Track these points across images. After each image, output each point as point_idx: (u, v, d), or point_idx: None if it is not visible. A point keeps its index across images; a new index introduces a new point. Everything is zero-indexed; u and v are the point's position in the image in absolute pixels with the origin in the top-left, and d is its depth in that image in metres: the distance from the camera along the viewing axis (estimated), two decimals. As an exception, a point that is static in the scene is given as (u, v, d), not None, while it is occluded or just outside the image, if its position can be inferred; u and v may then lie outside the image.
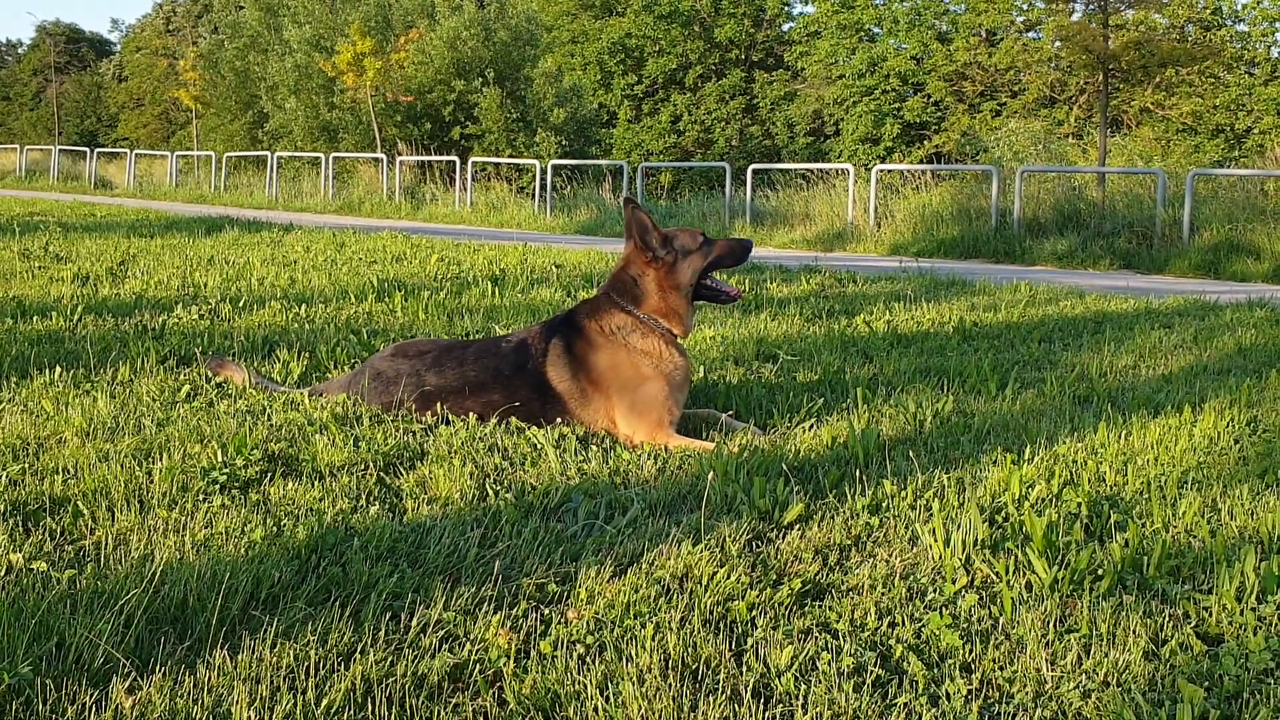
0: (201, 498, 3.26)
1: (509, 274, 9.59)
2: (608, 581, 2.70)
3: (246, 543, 2.88)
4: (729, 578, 2.70)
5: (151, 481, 3.34)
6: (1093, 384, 5.35)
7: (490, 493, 3.37)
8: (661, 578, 2.73)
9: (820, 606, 2.61)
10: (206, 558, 2.72)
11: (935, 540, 3.00)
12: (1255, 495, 3.51)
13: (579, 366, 4.25)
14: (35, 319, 6.41)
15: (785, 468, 3.62)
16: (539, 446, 3.92)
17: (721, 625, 2.49)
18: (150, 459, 3.60)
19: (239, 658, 2.20)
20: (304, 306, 7.27)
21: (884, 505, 3.37)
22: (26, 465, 3.50)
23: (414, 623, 2.44)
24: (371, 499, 3.34)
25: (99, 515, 3.07)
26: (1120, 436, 4.25)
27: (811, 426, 4.33)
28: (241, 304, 7.30)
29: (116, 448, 3.70)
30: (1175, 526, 3.24)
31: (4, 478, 3.35)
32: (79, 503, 3.14)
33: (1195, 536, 3.15)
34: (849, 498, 3.41)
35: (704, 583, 2.69)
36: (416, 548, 2.91)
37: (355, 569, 2.69)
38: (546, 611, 2.54)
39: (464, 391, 4.29)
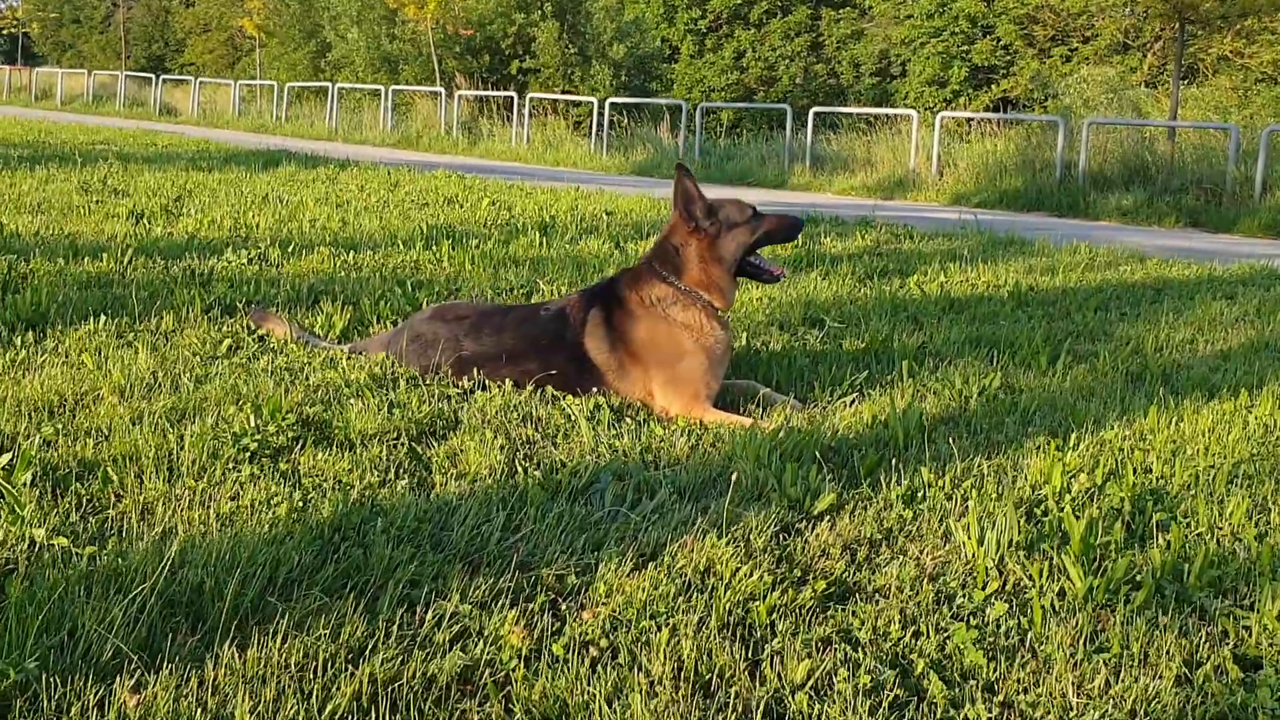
0: (231, 466, 3.25)
1: (558, 222, 9.52)
2: (628, 576, 2.66)
3: (271, 518, 2.87)
4: (751, 576, 2.65)
5: (182, 448, 3.33)
6: (1147, 360, 5.21)
7: (520, 469, 3.33)
8: (683, 572, 2.69)
9: (843, 610, 2.55)
10: (228, 535, 2.71)
11: (969, 538, 2.93)
12: (1308, 497, 3.39)
13: (618, 338, 4.18)
14: (86, 260, 6.45)
15: (819, 454, 3.54)
16: (573, 418, 3.87)
17: (739, 630, 2.43)
18: (184, 421, 3.60)
19: (247, 654, 2.18)
20: (352, 253, 7.26)
21: (919, 495, 3.30)
22: (61, 426, 3.51)
23: (429, 615, 2.41)
24: (401, 471, 3.32)
25: (128, 483, 3.07)
26: (1171, 422, 4.13)
27: (853, 401, 4.25)
28: (290, 248, 7.30)
29: (152, 408, 3.71)
30: (1221, 529, 3.15)
31: (38, 439, 3.36)
32: (108, 468, 3.14)
33: (1241, 540, 3.05)
34: (884, 486, 3.33)
35: (726, 580, 2.64)
36: (440, 529, 2.88)
37: (377, 552, 2.67)
38: (563, 607, 2.50)
39: (500, 359, 4.25)
